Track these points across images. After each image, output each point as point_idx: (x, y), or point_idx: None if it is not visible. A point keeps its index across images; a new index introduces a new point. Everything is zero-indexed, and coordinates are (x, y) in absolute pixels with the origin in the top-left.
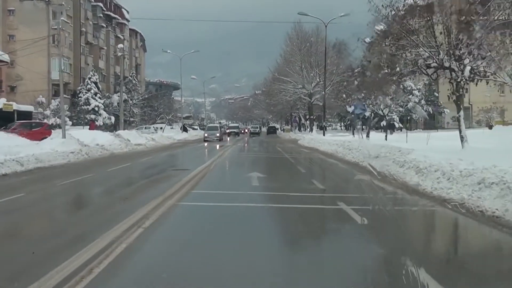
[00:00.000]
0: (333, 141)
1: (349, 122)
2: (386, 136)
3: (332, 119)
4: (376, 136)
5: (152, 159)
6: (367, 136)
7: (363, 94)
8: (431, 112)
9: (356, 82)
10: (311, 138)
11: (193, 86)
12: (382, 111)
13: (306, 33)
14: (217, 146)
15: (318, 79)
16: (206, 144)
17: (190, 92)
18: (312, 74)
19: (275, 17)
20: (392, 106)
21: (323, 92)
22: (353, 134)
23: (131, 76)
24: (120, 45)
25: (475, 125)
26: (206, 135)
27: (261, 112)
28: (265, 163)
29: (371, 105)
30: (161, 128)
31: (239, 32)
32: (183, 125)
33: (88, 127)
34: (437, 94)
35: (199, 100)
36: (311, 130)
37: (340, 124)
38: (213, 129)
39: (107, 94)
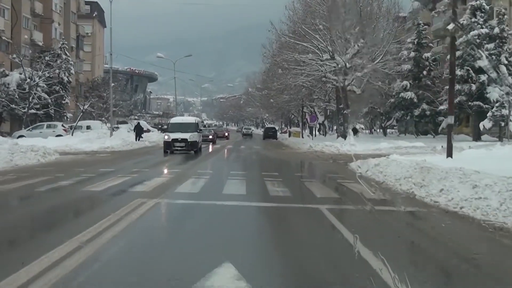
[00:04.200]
0: None
1: (385, 122)
2: None
3: (352, 119)
4: None
5: None
6: None
7: None
8: None
9: None
10: (423, 167)
11: (185, 85)
12: None
13: None
14: None
15: (358, 45)
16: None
17: (182, 90)
18: (348, 37)
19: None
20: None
21: (366, 67)
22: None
23: (61, 48)
24: None
25: None
26: None
27: (255, 111)
28: None
29: None
30: (87, 127)
31: (233, 32)
32: (137, 124)
33: None
34: None
35: (190, 99)
36: (343, 135)
37: (371, 126)
38: None
39: (2, 70)
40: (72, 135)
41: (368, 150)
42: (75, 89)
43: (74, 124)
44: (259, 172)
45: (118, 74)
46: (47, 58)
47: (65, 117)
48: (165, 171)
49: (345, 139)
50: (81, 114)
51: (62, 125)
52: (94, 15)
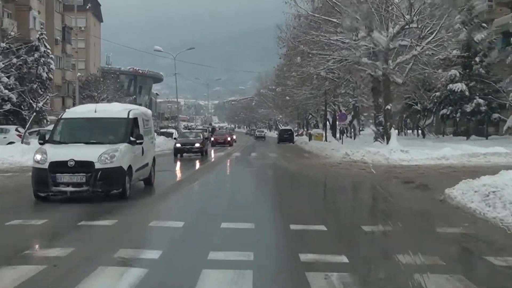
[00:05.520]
0: None
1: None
2: None
3: (365, 119)
4: None
5: None
6: None
7: None
8: None
9: None
10: None
11: (195, 88)
12: None
13: None
14: None
15: (405, 19)
16: None
17: (192, 94)
18: (390, 8)
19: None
20: None
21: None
22: None
23: (39, 38)
24: None
25: None
26: None
27: (268, 112)
28: None
29: None
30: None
31: (243, 34)
32: None
33: None
34: None
35: (201, 102)
36: (384, 136)
37: (401, 126)
38: None
39: None
40: (22, 142)
41: (429, 160)
42: (61, 88)
43: (25, 129)
44: (284, 220)
45: (120, 74)
46: (3, 44)
47: (45, 120)
48: (62, 235)
49: (387, 142)
50: (34, 114)
51: (17, 130)
52: (87, 7)
